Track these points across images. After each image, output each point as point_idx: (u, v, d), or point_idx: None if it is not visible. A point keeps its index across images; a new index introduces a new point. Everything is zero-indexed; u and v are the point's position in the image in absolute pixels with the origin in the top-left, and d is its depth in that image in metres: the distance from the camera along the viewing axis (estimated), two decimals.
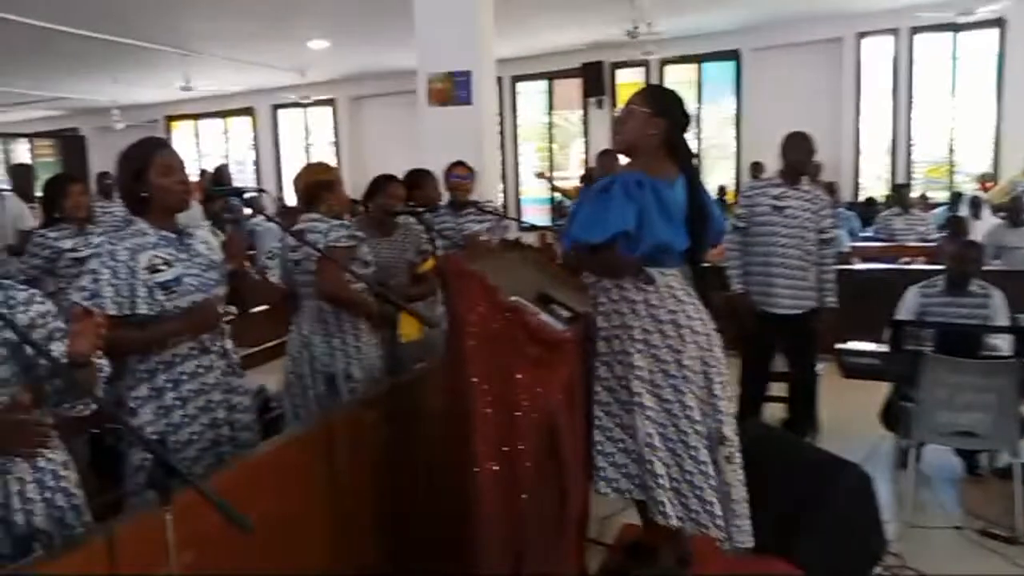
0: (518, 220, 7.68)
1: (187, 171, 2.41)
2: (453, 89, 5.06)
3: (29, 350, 1.72)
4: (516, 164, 11.33)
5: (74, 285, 2.22)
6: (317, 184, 3.00)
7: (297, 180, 3.11)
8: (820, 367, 4.23)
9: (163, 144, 2.38)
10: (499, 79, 7.62)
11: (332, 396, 2.92)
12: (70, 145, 12.23)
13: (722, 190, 9.45)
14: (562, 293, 2.54)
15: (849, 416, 4.37)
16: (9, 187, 5.47)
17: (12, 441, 1.50)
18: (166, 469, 1.50)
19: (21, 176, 6.08)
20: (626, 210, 2.33)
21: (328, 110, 12.15)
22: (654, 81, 10.03)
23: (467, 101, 5.06)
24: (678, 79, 10.25)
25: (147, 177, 2.25)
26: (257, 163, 12.77)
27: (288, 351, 3.10)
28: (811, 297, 3.88)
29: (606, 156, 5.41)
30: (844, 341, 4.93)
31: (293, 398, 3.07)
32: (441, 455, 2.57)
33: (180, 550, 1.69)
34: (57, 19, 6.73)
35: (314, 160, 5.06)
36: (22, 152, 11.44)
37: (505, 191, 10.78)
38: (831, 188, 7.68)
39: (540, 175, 9.47)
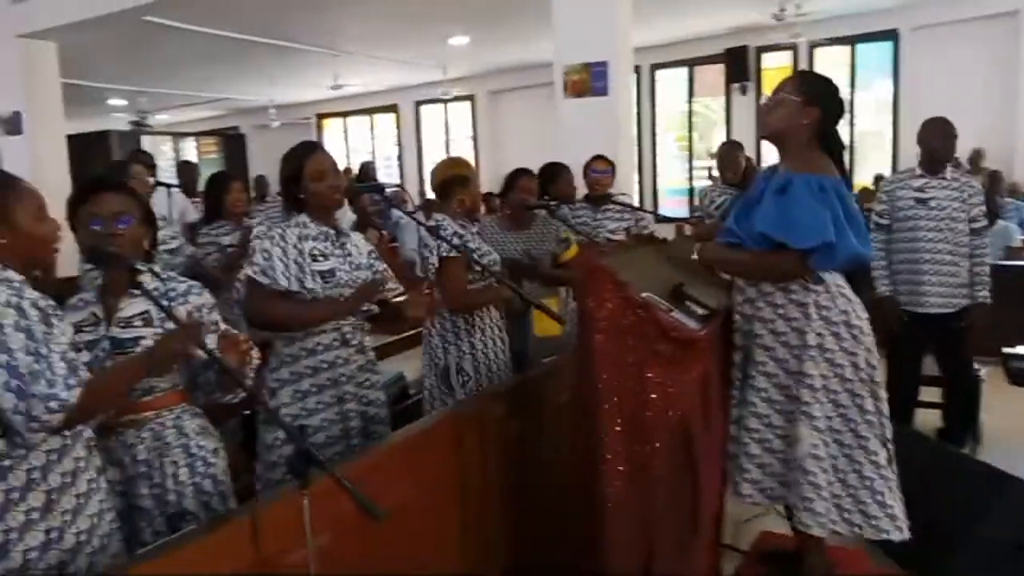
0: (655, 213, 7.51)
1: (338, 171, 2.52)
2: (590, 80, 5.00)
3: None
4: (654, 155, 11.10)
5: (247, 260, 2.37)
6: (451, 179, 3.04)
7: (434, 174, 3.17)
8: (983, 371, 3.88)
9: (315, 148, 2.48)
10: (637, 68, 7.47)
11: (446, 390, 2.96)
12: (231, 143, 13.13)
13: (878, 180, 8.85)
14: (698, 289, 2.45)
15: (1016, 426, 4.00)
16: (177, 183, 5.93)
17: (175, 345, 1.67)
18: (305, 456, 1.56)
19: (187, 173, 6.59)
20: (824, 217, 2.20)
21: (467, 105, 12.37)
22: (803, 65, 9.51)
23: (603, 92, 4.98)
24: (829, 63, 9.67)
25: (302, 182, 2.38)
26: (400, 159, 13.20)
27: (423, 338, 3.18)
28: (963, 294, 3.59)
29: (730, 147, 5.11)
30: (1010, 343, 4.49)
31: (432, 388, 3.14)
32: (569, 452, 2.55)
33: (316, 533, 1.77)
34: (221, 26, 7.22)
35: (453, 155, 5.14)
36: (189, 149, 12.38)
37: (641, 182, 10.58)
38: (994, 177, 7.04)
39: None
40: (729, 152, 5.01)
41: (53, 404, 1.49)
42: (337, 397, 2.43)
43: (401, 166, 13.19)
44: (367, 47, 8.95)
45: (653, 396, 2.18)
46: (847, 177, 2.37)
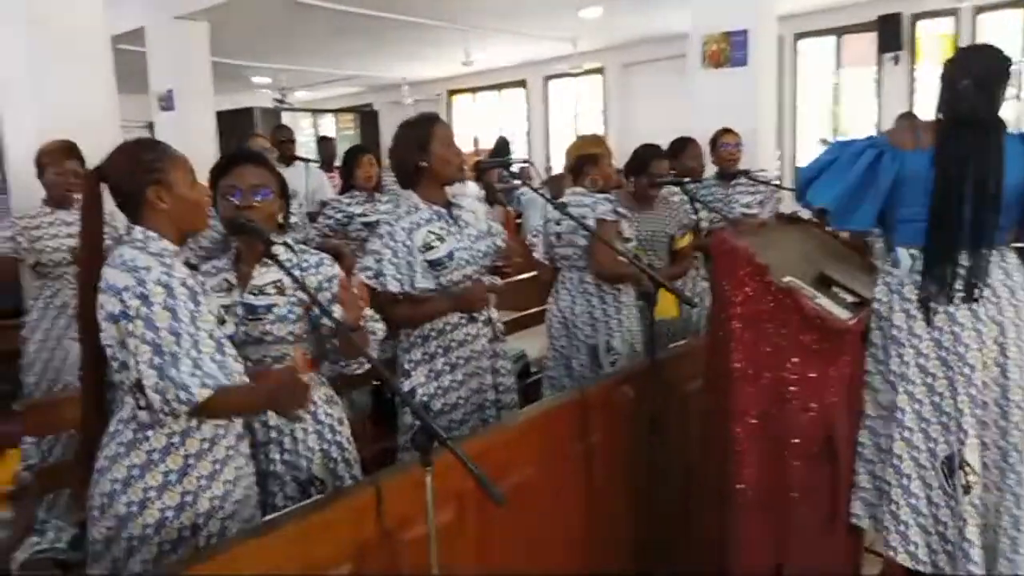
0: (794, 190, 7.12)
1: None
2: (729, 50, 4.76)
3: (316, 310, 1.87)
4: (794, 129, 10.53)
5: (359, 265, 2.40)
6: (584, 157, 2.98)
7: (568, 153, 3.12)
8: None
9: (440, 118, 2.47)
10: (779, 38, 7.08)
11: (594, 368, 2.92)
12: (366, 119, 13.49)
13: None
14: (846, 275, 2.26)
15: None
16: (315, 159, 6.13)
17: (288, 402, 1.62)
18: (428, 432, 1.55)
19: (325, 148, 6.81)
20: (834, 180, 2.13)
21: (598, 79, 12.15)
22: (965, 32, 8.73)
23: (743, 62, 4.73)
24: (998, 30, 8.81)
25: (430, 147, 2.36)
26: (529, 134, 13.18)
27: (547, 321, 3.13)
28: None
29: (907, 120, 4.73)
30: None
31: (552, 369, 3.11)
32: (700, 439, 2.44)
33: (439, 507, 1.76)
34: (359, 4, 7.38)
35: (582, 130, 5.02)
36: (328, 126, 12.82)
37: (782, 158, 10.08)
38: None
39: (824, 141, 8.70)
40: (904, 124, 4.66)
41: (183, 395, 1.54)
42: (470, 373, 2.45)
43: (529, 142, 13.17)
44: (498, 21, 8.93)
45: (794, 389, 2.03)
46: (983, 150, 2.05)
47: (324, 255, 2.06)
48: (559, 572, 2.21)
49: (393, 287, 2.32)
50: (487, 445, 2.06)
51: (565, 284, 3.03)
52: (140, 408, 1.59)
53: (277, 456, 1.95)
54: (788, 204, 4.06)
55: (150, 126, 7.91)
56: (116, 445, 1.66)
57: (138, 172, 1.67)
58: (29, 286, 3.41)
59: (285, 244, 1.97)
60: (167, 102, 7.18)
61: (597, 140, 3.11)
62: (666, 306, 2.79)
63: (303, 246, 2.09)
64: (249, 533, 1.64)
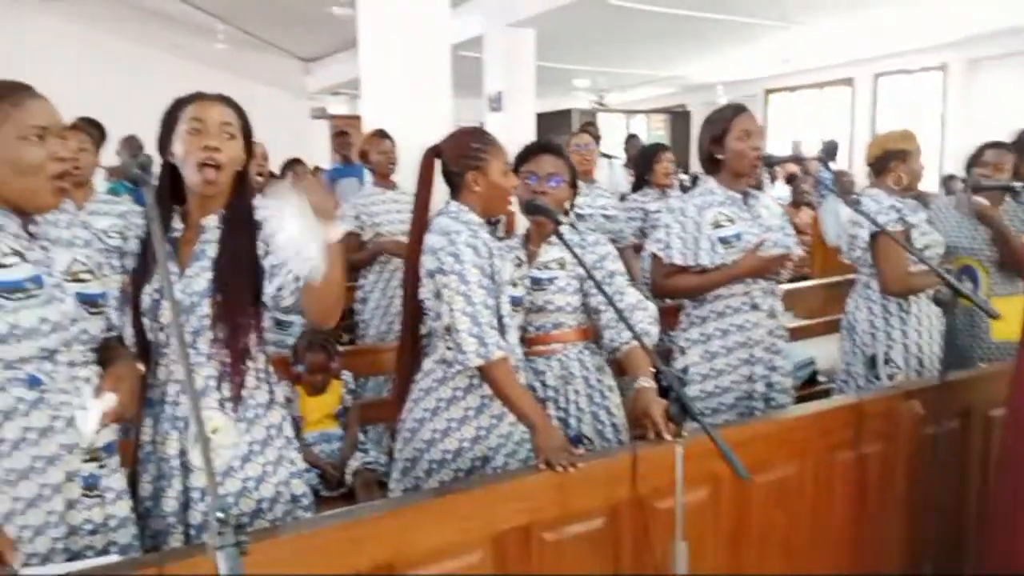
0: None
1: (764, 140, 2.52)
2: None
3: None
4: None
5: (651, 237, 2.56)
6: (891, 153, 2.79)
7: (872, 146, 2.94)
8: None
9: (744, 109, 2.51)
10: None
11: (870, 379, 2.76)
12: (677, 120, 13.59)
13: None
14: None
15: None
16: (619, 156, 6.39)
17: (547, 440, 1.81)
18: (681, 406, 1.65)
19: (630, 146, 7.06)
20: None
21: (936, 76, 10.96)
22: None
23: None
24: None
25: (725, 140, 2.44)
26: (851, 136, 12.30)
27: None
28: None
29: None
30: None
31: (840, 374, 2.99)
32: (992, 472, 2.23)
33: (694, 486, 1.85)
34: (677, 5, 7.49)
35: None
36: (639, 127, 13.13)
37: None
38: None
39: None
40: None
41: (482, 351, 1.82)
42: (744, 359, 2.48)
43: (851, 145, 12.29)
44: (821, 17, 8.48)
45: None
46: None
47: (601, 235, 2.27)
48: (813, 572, 2.17)
49: (678, 259, 2.45)
50: (751, 435, 2.08)
51: (855, 287, 2.89)
52: (448, 349, 1.89)
53: (552, 412, 2.18)
54: None
55: (481, 126, 8.77)
56: (428, 381, 1.99)
57: (464, 157, 1.99)
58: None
59: (571, 225, 2.19)
60: (496, 103, 7.92)
61: (907, 135, 2.89)
62: (1008, 326, 2.39)
63: (586, 228, 2.31)
64: (516, 474, 1.86)
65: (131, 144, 4.63)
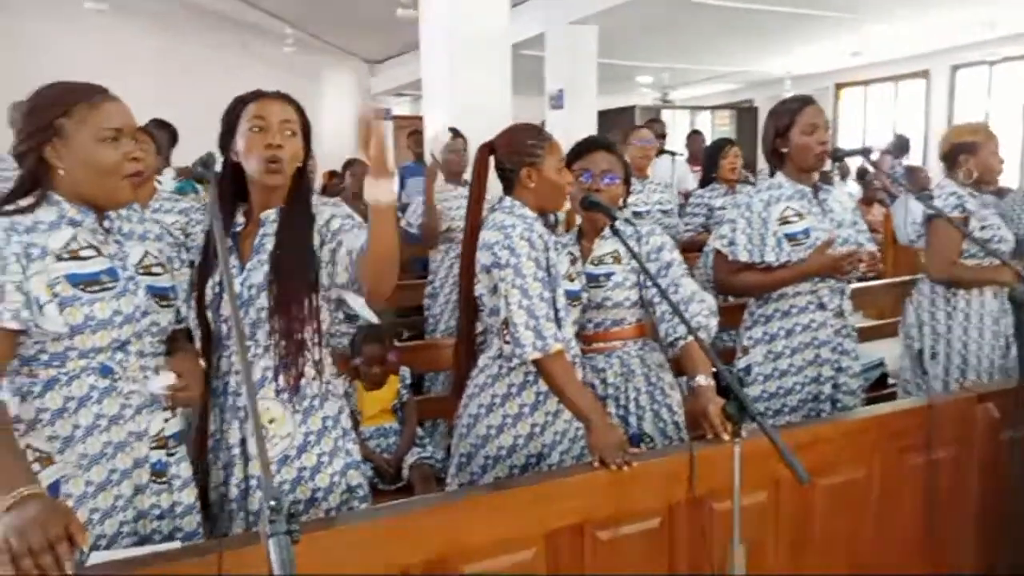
0: None
1: (829, 131, 2.44)
2: None
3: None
4: None
5: (715, 233, 2.51)
6: (961, 146, 2.70)
7: (944, 139, 2.85)
8: None
9: (811, 102, 2.45)
10: None
11: (918, 375, 2.68)
12: (743, 116, 13.28)
13: None
14: None
15: None
16: (682, 152, 6.28)
17: (603, 438, 1.79)
18: (739, 405, 1.61)
19: (693, 143, 6.94)
20: None
21: (1020, 66, 10.45)
22: None
23: None
24: None
25: (790, 134, 2.38)
26: (926, 131, 11.84)
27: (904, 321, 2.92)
28: None
29: None
30: None
31: (903, 372, 2.90)
32: None
33: (753, 488, 1.81)
34: None
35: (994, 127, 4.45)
36: (703, 123, 12.88)
37: None
38: None
39: None
40: None
41: (539, 343, 1.81)
42: (810, 360, 2.42)
43: (925, 139, 11.84)
44: (895, 8, 8.19)
45: None
46: None
47: (656, 226, 2.24)
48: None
49: (743, 256, 2.40)
50: (814, 437, 2.03)
51: (924, 282, 2.80)
52: (505, 343, 1.89)
53: (613, 410, 2.16)
54: None
55: (542, 124, 8.75)
56: (484, 376, 2.00)
57: (518, 153, 1.99)
58: (433, 250, 4.08)
59: (625, 220, 2.16)
60: (557, 101, 7.89)
61: (978, 128, 2.79)
62: None
63: (640, 221, 2.28)
64: (571, 471, 1.85)
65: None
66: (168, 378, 1.52)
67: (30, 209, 1.45)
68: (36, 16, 9.81)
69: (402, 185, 6.26)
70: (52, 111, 1.45)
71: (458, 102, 4.57)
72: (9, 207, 1.45)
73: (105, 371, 1.48)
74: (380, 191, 1.42)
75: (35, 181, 1.48)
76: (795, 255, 2.36)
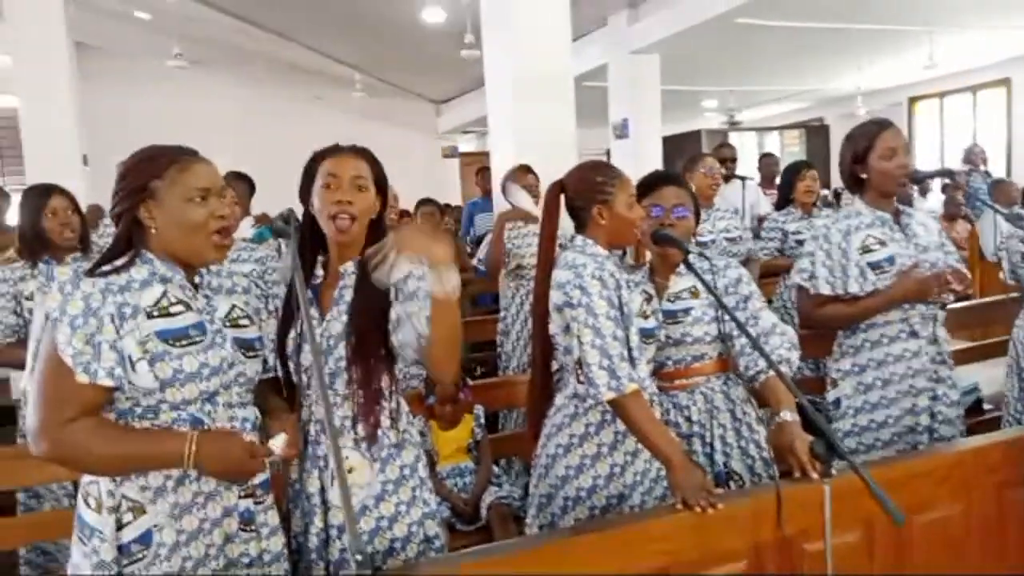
0: None
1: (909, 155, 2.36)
2: None
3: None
4: None
5: (795, 267, 2.44)
6: None
7: None
8: None
9: (889, 125, 2.38)
10: None
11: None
12: (813, 134, 13.01)
13: None
14: None
15: None
16: (752, 177, 6.15)
17: (687, 482, 1.74)
18: (827, 443, 1.56)
19: (766, 165, 6.77)
20: None
21: None
22: None
23: None
24: None
25: (868, 159, 2.31)
26: (1009, 140, 11.34)
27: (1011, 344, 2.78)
28: None
29: None
30: None
31: (1011, 401, 2.74)
32: None
33: (844, 527, 1.74)
34: (810, 18, 7.24)
35: None
36: (772, 144, 12.64)
37: None
38: None
39: None
40: None
41: (614, 383, 1.79)
42: (904, 392, 2.32)
43: (1009, 149, 11.33)
44: (968, 17, 7.94)
45: None
46: None
47: (730, 260, 2.19)
48: None
49: (824, 289, 2.33)
50: (907, 472, 1.94)
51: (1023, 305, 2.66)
52: (580, 383, 1.87)
53: (698, 448, 2.11)
54: None
55: (607, 153, 8.77)
56: (561, 416, 1.98)
57: (589, 191, 1.98)
58: (504, 287, 4.10)
59: (699, 253, 2.13)
60: (622, 130, 7.90)
61: None
62: None
63: (716, 254, 2.23)
64: (653, 513, 1.82)
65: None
66: (283, 439, 1.57)
67: (124, 268, 1.52)
68: (121, 79, 10.46)
69: (471, 221, 6.34)
70: (146, 173, 1.52)
71: (523, 137, 4.61)
72: (106, 267, 1.52)
73: (195, 422, 1.53)
74: (443, 281, 1.50)
75: (129, 240, 1.55)
76: (881, 283, 2.28)
